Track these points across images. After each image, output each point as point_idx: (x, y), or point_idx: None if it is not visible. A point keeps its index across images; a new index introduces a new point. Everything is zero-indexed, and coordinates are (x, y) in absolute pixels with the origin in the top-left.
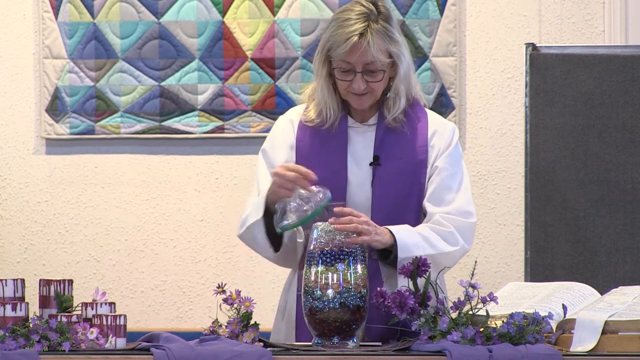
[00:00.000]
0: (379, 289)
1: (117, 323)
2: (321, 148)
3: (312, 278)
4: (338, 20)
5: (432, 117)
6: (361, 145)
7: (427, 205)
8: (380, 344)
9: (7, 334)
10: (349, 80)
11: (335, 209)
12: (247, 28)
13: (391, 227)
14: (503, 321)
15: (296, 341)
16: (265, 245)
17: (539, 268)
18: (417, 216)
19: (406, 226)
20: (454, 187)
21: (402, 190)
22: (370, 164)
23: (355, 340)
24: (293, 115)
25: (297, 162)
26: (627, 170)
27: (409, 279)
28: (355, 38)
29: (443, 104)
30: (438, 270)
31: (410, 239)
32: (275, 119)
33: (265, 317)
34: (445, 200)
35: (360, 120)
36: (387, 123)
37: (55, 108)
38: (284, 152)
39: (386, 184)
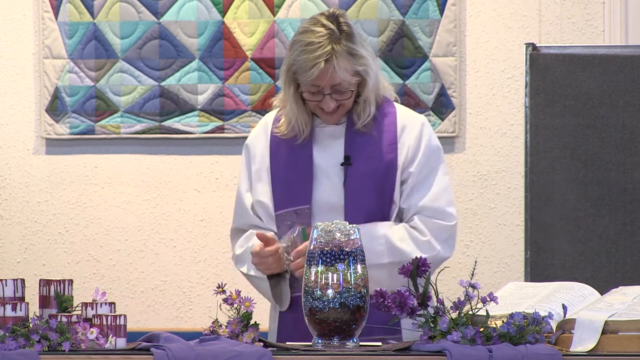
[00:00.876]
0: (379, 289)
1: (117, 323)
2: (290, 151)
3: (312, 278)
4: (301, 44)
5: (401, 112)
6: (331, 144)
7: (405, 210)
8: (380, 344)
9: (7, 334)
10: (318, 100)
11: (292, 253)
12: (247, 28)
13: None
14: (503, 321)
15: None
16: (268, 293)
17: (539, 268)
18: (389, 215)
19: (376, 230)
20: (432, 190)
21: (374, 189)
22: (342, 164)
23: (355, 340)
24: (269, 118)
25: (270, 166)
26: (627, 170)
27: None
28: (322, 64)
29: (443, 104)
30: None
31: (375, 249)
32: None
33: (265, 317)
34: (424, 207)
35: None
36: (357, 128)
37: (55, 108)
38: (260, 159)
39: (358, 184)
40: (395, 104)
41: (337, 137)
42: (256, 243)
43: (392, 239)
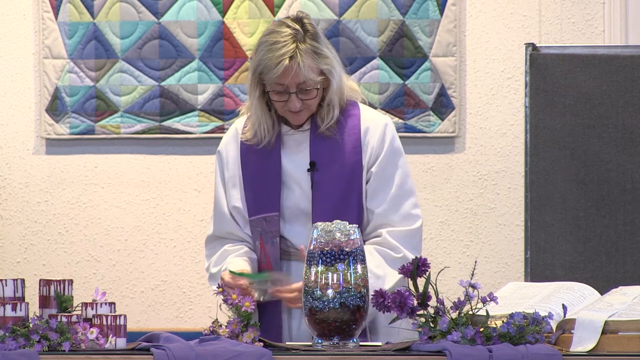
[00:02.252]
0: (379, 289)
1: (117, 323)
2: (259, 158)
3: (312, 278)
4: (266, 44)
5: (365, 114)
6: (298, 151)
7: (370, 211)
8: (380, 344)
9: (7, 334)
10: (284, 101)
11: (271, 291)
12: (247, 28)
13: None
14: (503, 321)
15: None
16: None
17: (539, 268)
18: (358, 218)
19: None
20: (396, 192)
21: (342, 193)
22: (308, 170)
23: (355, 340)
24: (239, 124)
25: (242, 173)
26: (627, 170)
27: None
28: (286, 62)
29: (443, 104)
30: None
31: None
32: None
33: None
34: (389, 208)
35: (295, 126)
36: (321, 132)
37: (55, 108)
38: (232, 165)
39: (325, 189)
40: (360, 105)
41: (303, 144)
42: (228, 268)
43: (375, 271)
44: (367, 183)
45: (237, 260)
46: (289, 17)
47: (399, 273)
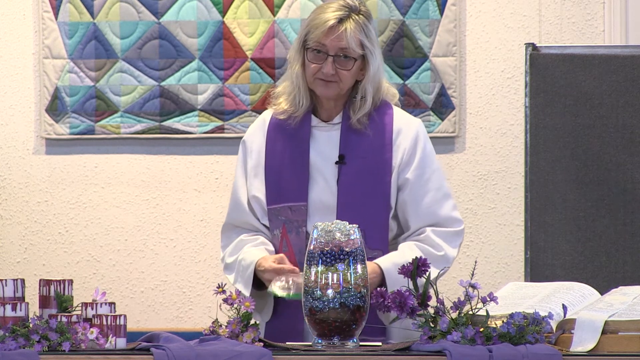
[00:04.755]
0: (379, 289)
1: (117, 323)
2: (287, 149)
3: (312, 278)
4: (320, 8)
5: (398, 115)
6: (326, 143)
7: (412, 221)
8: (380, 344)
9: (7, 334)
10: (319, 64)
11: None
12: (247, 28)
13: (380, 262)
14: (503, 321)
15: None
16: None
17: (539, 268)
18: (383, 215)
19: (396, 257)
20: (434, 196)
21: (367, 188)
22: (336, 163)
23: (355, 340)
24: (267, 115)
25: (266, 163)
26: (627, 170)
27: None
28: (334, 21)
29: (443, 104)
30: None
31: (400, 279)
32: None
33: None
34: (431, 216)
35: (326, 119)
36: (351, 124)
37: (55, 108)
38: (256, 155)
39: (351, 183)
40: (394, 106)
41: (333, 137)
42: (250, 257)
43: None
44: (400, 189)
45: (254, 250)
46: None
47: (399, 273)
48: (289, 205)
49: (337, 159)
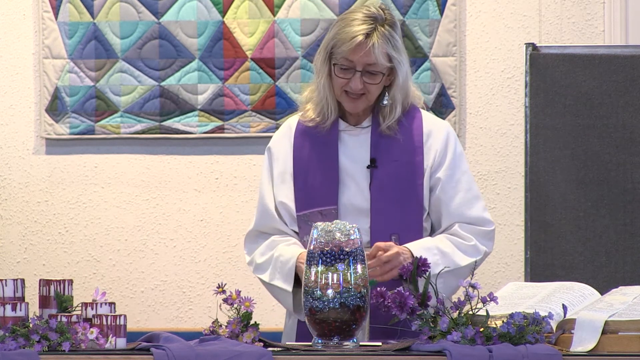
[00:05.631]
0: (378, 289)
1: (117, 323)
2: (315, 154)
3: (312, 278)
4: (345, 20)
5: (427, 118)
6: (356, 148)
7: (444, 220)
8: (380, 344)
9: (7, 334)
10: (347, 79)
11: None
12: (247, 28)
13: (411, 246)
14: (503, 321)
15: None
16: (289, 305)
17: (539, 268)
18: (417, 217)
19: (426, 242)
20: (465, 196)
21: (401, 192)
22: (368, 167)
23: (355, 340)
24: (292, 121)
25: (294, 169)
26: (627, 170)
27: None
28: (361, 37)
29: (443, 104)
30: (458, 280)
31: (429, 259)
32: (275, 119)
33: (265, 317)
34: (462, 215)
35: (354, 123)
36: (382, 130)
37: (55, 108)
38: (283, 161)
39: (384, 187)
40: (422, 110)
41: (362, 141)
42: (288, 252)
43: (443, 249)
44: (432, 190)
45: (291, 247)
46: (371, 4)
47: (399, 273)
48: (319, 210)
49: (369, 163)
